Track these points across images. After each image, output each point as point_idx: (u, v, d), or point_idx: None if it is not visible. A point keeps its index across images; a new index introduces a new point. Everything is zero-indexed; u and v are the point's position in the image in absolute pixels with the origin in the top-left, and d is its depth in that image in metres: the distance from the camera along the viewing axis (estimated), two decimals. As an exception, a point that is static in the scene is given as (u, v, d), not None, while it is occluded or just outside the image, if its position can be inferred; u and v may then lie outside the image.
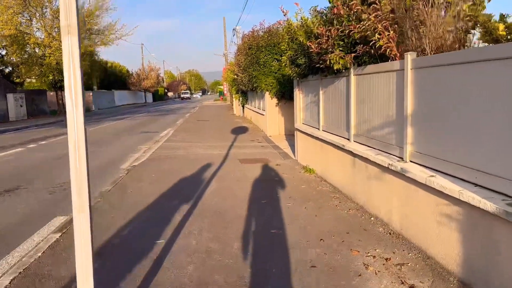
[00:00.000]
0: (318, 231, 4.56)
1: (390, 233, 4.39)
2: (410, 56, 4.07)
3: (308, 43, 6.37)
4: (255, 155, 10.10)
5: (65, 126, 2.19)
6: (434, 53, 4.14)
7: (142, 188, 6.67)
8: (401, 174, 4.12)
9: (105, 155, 10.48)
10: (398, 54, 4.47)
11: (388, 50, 4.49)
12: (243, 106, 24.45)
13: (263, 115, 15.32)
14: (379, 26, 4.42)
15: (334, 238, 4.31)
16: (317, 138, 7.40)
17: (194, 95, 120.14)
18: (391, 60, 4.61)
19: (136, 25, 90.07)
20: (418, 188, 3.83)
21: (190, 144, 12.19)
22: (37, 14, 27.36)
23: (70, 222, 5.08)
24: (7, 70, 31.35)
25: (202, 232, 4.55)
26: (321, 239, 4.28)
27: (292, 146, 11.44)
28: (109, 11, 29.54)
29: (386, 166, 4.39)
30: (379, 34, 4.50)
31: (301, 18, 7.45)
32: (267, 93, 14.36)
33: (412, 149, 4.15)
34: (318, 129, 7.52)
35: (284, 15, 7.99)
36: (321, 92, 7.28)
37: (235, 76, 20.25)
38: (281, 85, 13.83)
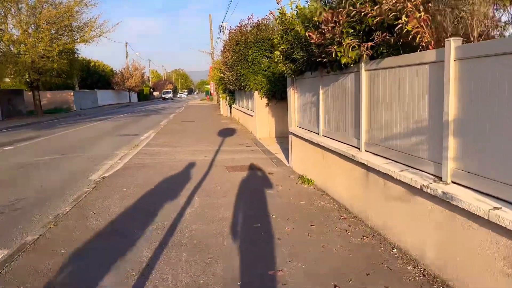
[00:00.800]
0: (329, 270, 3.52)
1: (424, 275, 3.37)
2: (454, 43, 3.05)
3: (307, 33, 5.34)
4: (245, 161, 9.04)
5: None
6: (483, 40, 3.14)
7: (109, 207, 5.54)
8: (442, 200, 3.10)
9: (74, 164, 9.27)
10: (432, 42, 3.45)
11: (418, 36, 3.47)
12: (230, 106, 23.36)
13: (252, 116, 14.27)
14: (409, 5, 3.39)
15: (352, 283, 3.28)
16: (316, 144, 6.37)
17: (180, 95, 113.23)
18: (421, 50, 3.59)
19: (118, 22, 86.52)
20: (472, 221, 2.82)
21: (173, 148, 11.06)
22: (13, 10, 25.86)
23: (9, 259, 3.94)
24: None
25: (178, 276, 3.46)
26: (335, 286, 3.24)
27: (285, 150, 10.42)
28: (89, 7, 28.05)
29: (419, 187, 3.37)
30: (407, 16, 3.48)
31: (297, 7, 6.44)
32: (256, 92, 13.31)
33: (455, 166, 3.13)
34: (318, 134, 6.49)
35: (277, 2, 6.95)
36: (321, 92, 6.26)
37: (222, 75, 19.15)
38: (271, 84, 12.79)
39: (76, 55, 30.12)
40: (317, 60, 5.39)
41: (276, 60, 7.64)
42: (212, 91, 58.43)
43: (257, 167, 8.46)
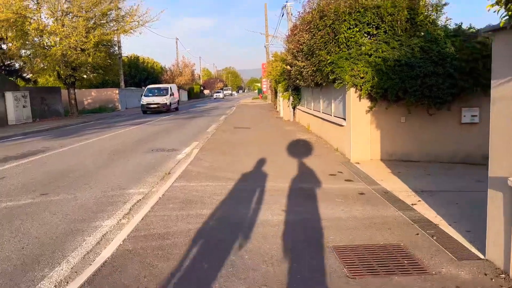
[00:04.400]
0: None
1: None
2: None
3: None
4: (364, 232, 4.36)
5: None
6: None
7: None
8: None
9: (39, 227, 4.92)
10: None
11: None
12: (294, 108, 18.66)
13: (341, 126, 9.45)
14: None
15: None
16: None
17: (216, 95, 77.22)
18: None
19: (162, 9, 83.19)
20: None
21: (223, 186, 6.53)
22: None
23: None
24: (17, 66, 27.09)
25: None
26: None
27: (424, 194, 5.60)
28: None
29: None
30: None
31: None
32: (352, 90, 8.49)
33: None
34: None
35: None
36: None
37: (288, 67, 14.48)
38: (381, 77, 7.93)
39: (116, 48, 26.64)
40: None
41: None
42: (264, 89, 53.94)
43: (409, 257, 3.72)
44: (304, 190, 6.25)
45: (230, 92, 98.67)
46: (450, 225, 4.63)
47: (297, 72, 12.76)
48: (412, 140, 8.52)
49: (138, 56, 54.39)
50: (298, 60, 12.02)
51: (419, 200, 5.65)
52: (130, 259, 3.73)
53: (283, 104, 20.26)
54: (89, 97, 37.39)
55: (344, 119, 9.29)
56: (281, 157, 9.13)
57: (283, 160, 8.77)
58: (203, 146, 10.92)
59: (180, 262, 3.68)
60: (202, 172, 7.57)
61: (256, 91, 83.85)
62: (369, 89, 8.15)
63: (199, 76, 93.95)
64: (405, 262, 3.72)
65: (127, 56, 52.17)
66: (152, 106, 27.76)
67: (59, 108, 26.87)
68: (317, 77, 10.10)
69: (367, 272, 3.52)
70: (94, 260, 3.75)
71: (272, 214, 5.05)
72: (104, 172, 7.90)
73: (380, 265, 3.65)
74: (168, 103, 28.23)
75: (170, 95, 29.13)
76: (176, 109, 31.50)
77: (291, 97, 18.36)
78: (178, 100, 33.87)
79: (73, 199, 5.97)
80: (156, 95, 28.43)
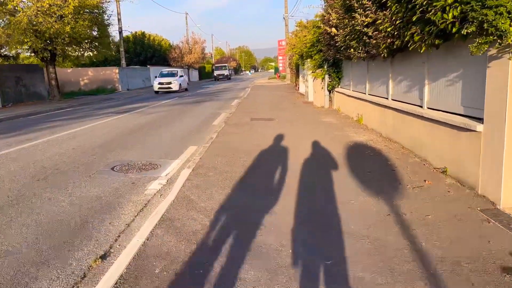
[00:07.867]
0: None
1: None
2: None
3: None
4: None
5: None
6: None
7: None
8: None
9: None
10: None
11: None
12: (330, 91, 13.94)
13: (466, 130, 4.78)
14: None
15: None
16: None
17: (160, 81, 26.79)
18: None
19: None
20: None
21: None
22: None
23: None
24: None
25: None
26: None
27: None
28: None
29: None
30: None
31: None
32: (513, 57, 3.79)
33: None
34: None
35: None
36: None
37: (333, 30, 9.72)
38: None
39: (105, 15, 21.80)
40: None
41: None
42: (281, 68, 48.72)
43: None
44: None
45: (226, 72, 56.88)
46: None
47: (353, 35, 8.06)
48: None
49: (144, 32, 49.67)
50: (357, 14, 7.29)
51: None
52: None
53: (314, 85, 15.51)
54: (86, 76, 33.13)
55: (476, 118, 4.65)
56: (348, 193, 4.58)
57: (357, 207, 4.22)
58: (200, 161, 6.36)
59: None
60: (177, 269, 3.05)
61: (272, 70, 78.69)
62: None
63: (211, 54, 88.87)
64: None
65: (131, 32, 47.58)
66: None
67: (41, 89, 22.54)
68: (414, 34, 5.37)
69: None
70: None
71: None
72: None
73: None
74: None
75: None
76: None
77: (326, 76, 13.63)
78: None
79: None
80: None
